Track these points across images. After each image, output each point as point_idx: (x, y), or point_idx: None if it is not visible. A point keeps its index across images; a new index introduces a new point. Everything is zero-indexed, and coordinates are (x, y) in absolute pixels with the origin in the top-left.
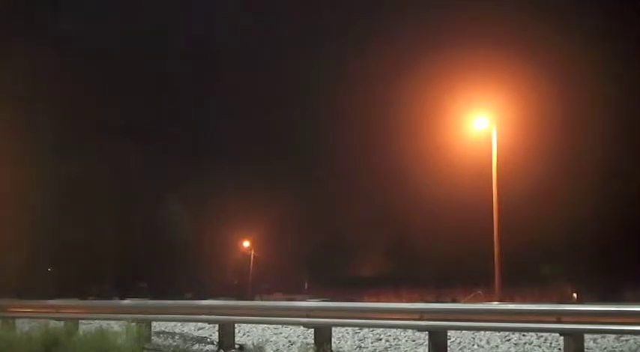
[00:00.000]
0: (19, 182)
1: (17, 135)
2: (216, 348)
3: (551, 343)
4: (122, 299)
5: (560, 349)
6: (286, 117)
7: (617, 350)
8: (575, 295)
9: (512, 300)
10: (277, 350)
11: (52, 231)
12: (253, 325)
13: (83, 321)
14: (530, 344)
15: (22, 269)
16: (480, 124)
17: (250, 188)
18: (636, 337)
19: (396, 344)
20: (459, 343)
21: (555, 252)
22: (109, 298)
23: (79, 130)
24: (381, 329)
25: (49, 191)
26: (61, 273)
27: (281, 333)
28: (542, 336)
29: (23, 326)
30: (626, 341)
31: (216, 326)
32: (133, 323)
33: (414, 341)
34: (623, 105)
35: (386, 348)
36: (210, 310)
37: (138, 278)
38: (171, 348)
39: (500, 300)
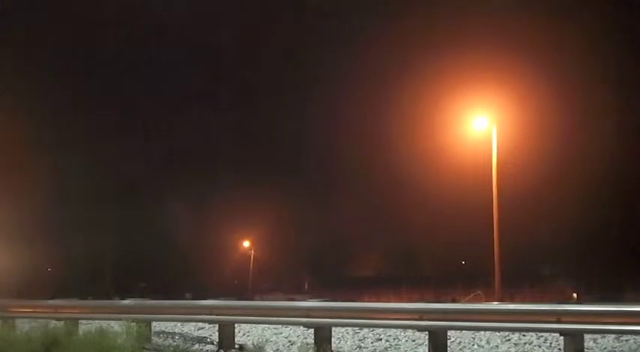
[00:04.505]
0: (18, 182)
1: (16, 136)
2: (216, 348)
3: (551, 343)
4: (122, 299)
5: (560, 349)
6: (286, 117)
7: (617, 350)
8: (575, 295)
9: (512, 300)
10: (277, 350)
11: (51, 231)
12: (253, 325)
13: (83, 321)
14: (530, 344)
15: (22, 269)
16: (480, 124)
17: (250, 188)
18: (636, 337)
19: (396, 344)
20: (459, 343)
21: (555, 252)
22: (109, 298)
23: (80, 130)
24: (381, 329)
25: (49, 191)
26: (61, 273)
27: (281, 333)
28: (542, 336)
29: (23, 326)
30: (626, 341)
31: (216, 326)
32: (133, 323)
33: (414, 341)
34: (623, 106)
35: (386, 348)
36: (211, 310)
37: (138, 278)
38: (171, 348)
39: (500, 300)
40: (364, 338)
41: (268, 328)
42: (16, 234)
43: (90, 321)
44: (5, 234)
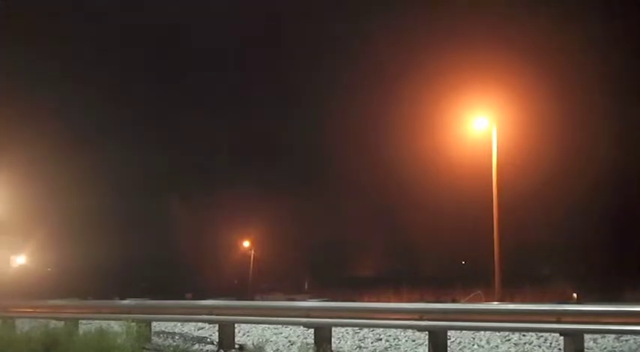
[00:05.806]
0: (18, 182)
1: (18, 137)
2: (216, 348)
3: (551, 343)
4: (122, 299)
5: (560, 349)
6: (286, 117)
7: (617, 350)
8: (575, 295)
9: (512, 300)
10: (277, 350)
11: (51, 231)
12: (253, 325)
13: (83, 321)
14: (530, 344)
15: (22, 269)
16: (480, 124)
17: (250, 188)
18: (636, 337)
19: (396, 344)
20: (459, 343)
21: (555, 251)
22: (109, 298)
23: (80, 131)
24: (381, 329)
25: (49, 191)
26: (61, 273)
27: (281, 333)
28: (542, 336)
29: (23, 326)
30: (626, 341)
31: (216, 326)
32: (133, 323)
33: (414, 341)
34: (622, 106)
35: (386, 348)
36: (210, 310)
37: (138, 278)
38: (171, 348)
39: (500, 300)
40: (364, 338)
41: (268, 328)
42: (16, 234)
43: (90, 321)
44: (7, 234)
